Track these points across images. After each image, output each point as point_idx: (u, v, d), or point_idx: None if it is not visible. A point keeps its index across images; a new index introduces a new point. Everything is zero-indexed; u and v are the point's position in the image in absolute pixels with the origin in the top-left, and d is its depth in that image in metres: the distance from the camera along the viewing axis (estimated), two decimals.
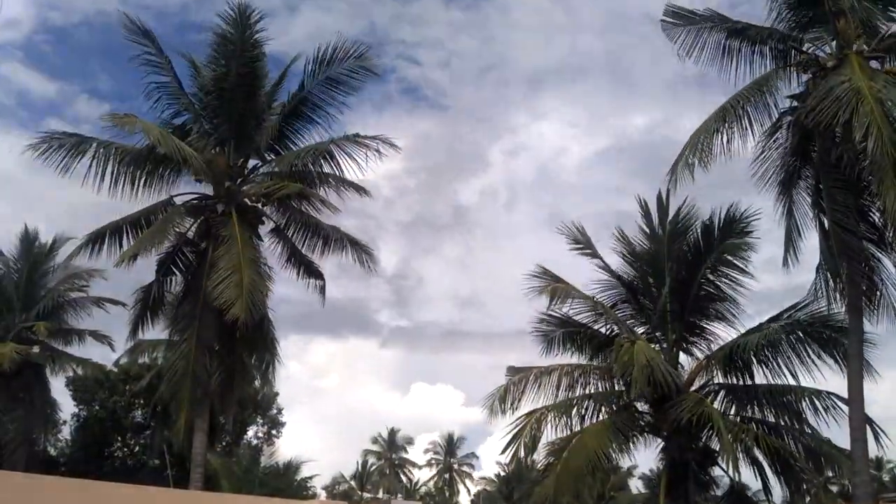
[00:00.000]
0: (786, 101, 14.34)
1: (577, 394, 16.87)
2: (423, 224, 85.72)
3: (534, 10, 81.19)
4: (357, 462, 61.44)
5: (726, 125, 13.97)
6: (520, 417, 16.61)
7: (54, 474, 18.32)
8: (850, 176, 13.21)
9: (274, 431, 36.21)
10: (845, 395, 13.84)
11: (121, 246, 16.89)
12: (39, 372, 24.96)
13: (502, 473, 55.48)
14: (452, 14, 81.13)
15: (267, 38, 16.73)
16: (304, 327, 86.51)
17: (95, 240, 16.89)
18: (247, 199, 17.53)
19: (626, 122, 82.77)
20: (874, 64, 13.50)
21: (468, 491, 65.02)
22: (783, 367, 15.43)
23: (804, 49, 14.29)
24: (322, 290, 18.44)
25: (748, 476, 16.23)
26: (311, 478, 37.23)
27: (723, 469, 15.78)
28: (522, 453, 16.57)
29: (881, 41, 13.63)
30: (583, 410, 16.71)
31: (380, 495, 60.69)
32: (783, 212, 14.82)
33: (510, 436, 16.35)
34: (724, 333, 16.65)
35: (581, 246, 17.49)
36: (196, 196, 17.50)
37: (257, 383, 26.56)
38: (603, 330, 17.31)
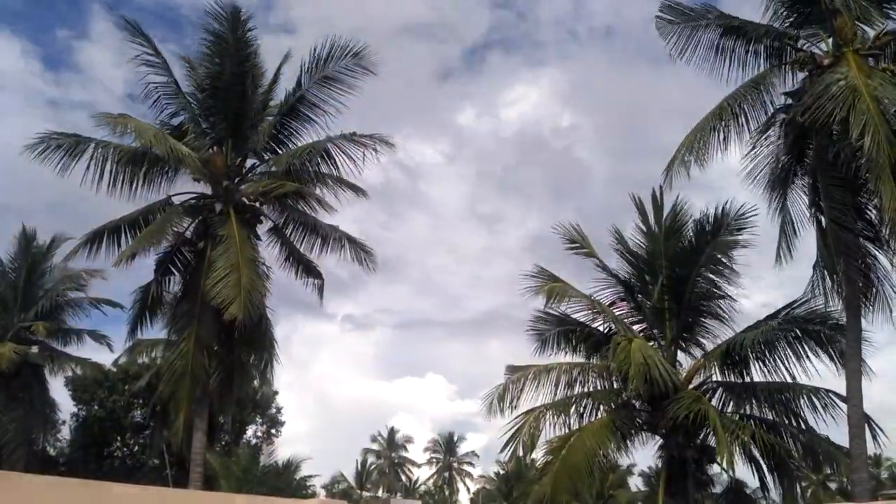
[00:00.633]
0: (782, 99, 14.34)
1: (576, 392, 16.85)
2: None
3: None
4: (356, 461, 61.63)
5: (723, 123, 13.96)
6: (518, 416, 16.61)
7: (54, 474, 18.30)
8: (847, 173, 13.19)
9: (273, 430, 36.30)
10: (843, 392, 13.84)
11: (119, 246, 16.92)
12: (38, 372, 25.01)
13: (501, 472, 55.57)
14: None
15: (259, 35, 16.82)
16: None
17: (94, 239, 16.90)
18: (245, 199, 17.54)
19: None
20: (870, 61, 13.49)
21: (468, 489, 65.22)
22: (780, 364, 15.40)
23: (800, 47, 14.28)
24: (321, 289, 18.48)
25: (746, 473, 16.28)
26: (310, 477, 37.37)
27: (721, 467, 15.79)
28: (521, 452, 16.60)
29: (877, 39, 13.64)
30: (581, 409, 16.69)
31: (379, 494, 60.76)
32: (776, 209, 14.86)
33: (509, 434, 16.36)
34: (720, 331, 16.67)
35: (577, 245, 17.45)
36: (194, 195, 17.51)
37: (256, 383, 26.60)
38: (600, 328, 17.26)
